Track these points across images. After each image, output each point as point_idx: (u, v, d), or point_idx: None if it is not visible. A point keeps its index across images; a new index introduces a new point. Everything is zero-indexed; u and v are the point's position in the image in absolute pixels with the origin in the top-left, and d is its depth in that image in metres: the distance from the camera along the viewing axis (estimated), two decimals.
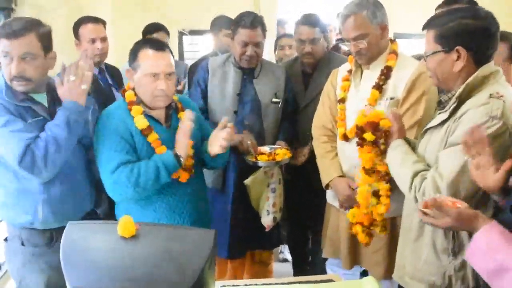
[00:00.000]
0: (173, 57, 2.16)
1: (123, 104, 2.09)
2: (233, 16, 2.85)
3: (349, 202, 2.36)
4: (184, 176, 2.08)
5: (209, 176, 2.70)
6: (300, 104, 2.93)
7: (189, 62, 4.63)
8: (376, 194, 2.09)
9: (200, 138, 2.25)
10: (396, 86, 2.24)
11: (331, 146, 2.50)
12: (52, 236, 2.03)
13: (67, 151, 1.92)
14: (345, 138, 2.38)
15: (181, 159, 2.02)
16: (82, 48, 2.90)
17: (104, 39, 2.93)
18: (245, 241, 2.87)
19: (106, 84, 2.95)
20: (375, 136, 1.96)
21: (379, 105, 2.26)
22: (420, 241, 1.82)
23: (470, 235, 1.41)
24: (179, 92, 3.24)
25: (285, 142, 2.77)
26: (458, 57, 1.64)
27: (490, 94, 1.59)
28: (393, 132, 1.90)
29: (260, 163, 2.60)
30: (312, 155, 2.69)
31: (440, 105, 1.78)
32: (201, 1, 5.33)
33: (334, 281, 2.02)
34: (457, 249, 1.71)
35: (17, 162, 1.82)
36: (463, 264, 1.70)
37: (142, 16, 4.65)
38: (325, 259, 2.90)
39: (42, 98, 2.00)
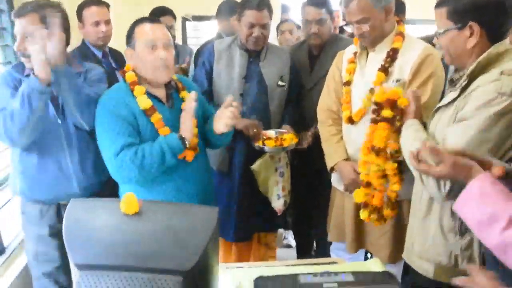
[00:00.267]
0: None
1: (124, 85, 2.05)
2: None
3: (354, 186, 2.34)
4: (189, 155, 2.05)
5: (215, 159, 2.70)
6: (306, 86, 2.91)
7: (192, 48, 4.59)
8: (384, 174, 2.08)
9: (202, 117, 2.23)
10: (403, 68, 2.21)
11: (336, 129, 2.48)
12: (42, 210, 2.19)
13: (24, 124, 1.92)
14: (350, 121, 2.35)
15: (186, 142, 2.00)
16: (85, 31, 2.89)
17: (107, 22, 2.91)
18: (251, 224, 2.88)
19: (110, 68, 2.93)
20: (393, 114, 1.93)
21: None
22: (427, 219, 1.81)
23: None
24: (184, 70, 3.21)
25: (290, 126, 2.76)
26: (471, 34, 1.61)
27: (502, 71, 1.56)
28: (410, 112, 1.87)
29: (267, 149, 2.59)
30: (317, 139, 2.68)
31: (452, 83, 1.76)
32: None
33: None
34: (464, 228, 1.69)
35: None
36: (470, 244, 1.69)
37: (146, 0, 4.61)
38: (330, 244, 2.90)
39: None
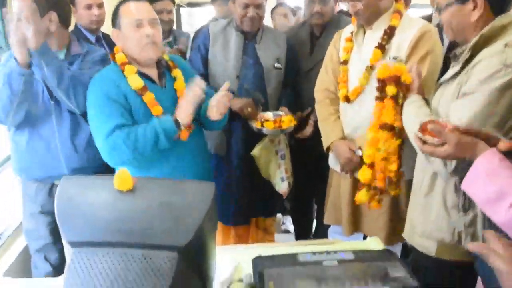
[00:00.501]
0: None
1: (115, 67, 2.03)
2: None
3: (350, 165, 2.33)
4: (184, 134, 2.02)
5: (212, 143, 2.67)
6: (306, 67, 2.87)
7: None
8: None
9: None
10: (400, 45, 2.17)
11: (333, 109, 2.45)
12: (37, 188, 2.24)
13: (5, 103, 1.96)
14: (347, 99, 2.33)
15: (181, 125, 1.97)
16: (78, 14, 2.84)
17: (100, 5, 2.87)
18: (249, 209, 2.86)
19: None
20: (396, 90, 1.89)
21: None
22: (430, 197, 1.77)
23: None
24: (181, 52, 3.17)
25: (288, 108, 2.73)
26: (475, 7, 1.57)
27: (506, 43, 1.52)
28: (413, 89, 1.84)
29: (266, 130, 2.56)
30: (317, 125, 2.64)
31: (455, 58, 1.72)
32: None
33: None
34: (467, 205, 1.66)
35: None
36: (473, 220, 1.66)
37: None
38: (327, 228, 2.88)
39: (61, 54, 2.14)
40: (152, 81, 2.05)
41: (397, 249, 2.44)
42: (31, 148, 2.15)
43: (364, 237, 2.75)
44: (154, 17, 2.02)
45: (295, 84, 2.85)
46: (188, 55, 3.31)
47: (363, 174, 2.14)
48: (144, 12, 1.98)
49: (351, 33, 2.36)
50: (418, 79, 1.84)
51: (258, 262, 1.47)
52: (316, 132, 2.62)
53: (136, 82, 1.96)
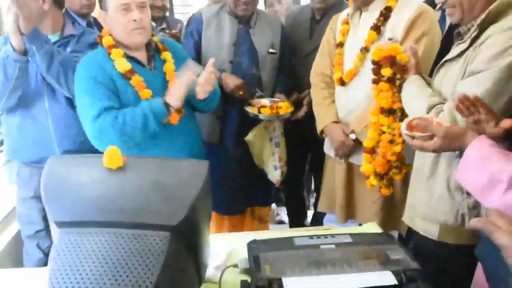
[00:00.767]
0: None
1: (101, 49, 1.99)
2: None
3: (343, 149, 2.30)
4: (174, 118, 1.97)
5: (204, 130, 2.61)
6: (304, 51, 2.81)
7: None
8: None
9: None
10: (395, 27, 2.13)
11: (328, 93, 2.41)
12: (31, 172, 2.21)
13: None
14: (341, 82, 2.29)
15: (171, 108, 1.92)
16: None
17: None
18: (244, 198, 2.81)
19: None
20: (392, 71, 1.87)
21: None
22: (433, 179, 1.73)
23: None
24: (175, 35, 3.11)
25: (284, 94, 2.69)
26: None
27: None
28: (410, 68, 1.81)
29: (262, 117, 2.52)
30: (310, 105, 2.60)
31: (459, 37, 1.68)
32: None
33: None
34: None
35: None
36: (477, 203, 1.63)
37: None
38: (323, 217, 2.85)
39: (55, 37, 2.12)
40: (141, 64, 2.01)
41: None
42: (23, 129, 2.14)
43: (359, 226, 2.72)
44: (143, 0, 1.95)
45: (293, 69, 2.80)
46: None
47: (365, 168, 2.15)
48: None
49: (348, 15, 2.31)
50: (415, 57, 1.81)
51: (253, 246, 1.43)
52: (312, 118, 2.57)
53: (122, 65, 1.93)
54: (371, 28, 2.16)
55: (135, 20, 1.91)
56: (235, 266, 1.50)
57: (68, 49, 2.14)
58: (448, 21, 2.42)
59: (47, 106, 2.11)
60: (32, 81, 2.08)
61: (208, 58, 2.58)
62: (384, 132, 2.06)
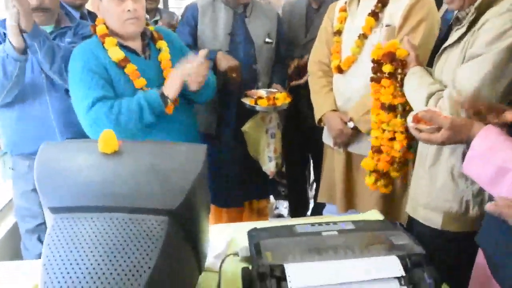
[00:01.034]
0: None
1: (95, 39, 1.96)
2: None
3: (342, 138, 2.27)
4: (169, 108, 1.94)
5: (201, 121, 2.57)
6: (302, 41, 2.79)
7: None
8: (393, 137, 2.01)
9: None
10: (393, 13, 2.10)
11: (326, 81, 2.38)
12: (30, 165, 2.15)
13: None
14: (339, 70, 2.26)
15: (168, 100, 1.89)
16: None
17: None
18: (242, 190, 2.78)
19: None
20: (393, 67, 1.85)
21: (374, 33, 2.14)
22: (436, 167, 1.71)
23: None
24: (173, 26, 3.07)
25: (280, 85, 2.66)
26: None
27: None
28: (410, 61, 1.79)
29: (259, 108, 2.48)
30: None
31: (458, 22, 1.65)
32: None
33: None
34: None
35: None
36: (481, 189, 1.60)
37: None
38: (323, 208, 2.81)
39: (49, 28, 2.08)
40: (135, 53, 1.98)
41: None
42: (22, 121, 2.10)
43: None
44: None
45: (291, 58, 2.77)
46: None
47: (367, 164, 2.12)
48: None
49: (345, 2, 2.28)
50: (413, 50, 1.79)
51: (254, 234, 1.39)
52: (310, 107, 2.53)
53: (116, 54, 1.90)
54: (369, 14, 2.13)
55: (129, 11, 1.88)
56: (236, 254, 1.47)
57: (67, 40, 2.13)
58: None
59: (48, 97, 2.09)
60: (30, 74, 2.05)
61: (204, 48, 2.57)
62: (385, 130, 2.04)
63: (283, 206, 3.82)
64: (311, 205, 3.42)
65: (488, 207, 1.07)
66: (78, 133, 2.09)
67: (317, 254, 1.26)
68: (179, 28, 2.67)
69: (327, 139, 2.46)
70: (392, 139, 2.01)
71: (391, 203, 2.28)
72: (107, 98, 1.86)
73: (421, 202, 1.77)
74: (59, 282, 0.90)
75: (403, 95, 1.87)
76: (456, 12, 1.70)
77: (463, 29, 1.57)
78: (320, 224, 1.44)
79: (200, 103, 2.25)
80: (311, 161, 3.25)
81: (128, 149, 1.11)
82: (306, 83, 2.56)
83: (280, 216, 3.87)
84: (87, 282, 0.90)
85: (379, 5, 2.11)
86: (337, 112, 2.30)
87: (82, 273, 0.91)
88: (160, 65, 2.02)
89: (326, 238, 1.35)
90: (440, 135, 1.36)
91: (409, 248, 1.27)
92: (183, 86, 1.97)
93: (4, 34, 2.00)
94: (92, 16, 2.88)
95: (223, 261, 1.43)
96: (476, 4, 1.53)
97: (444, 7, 2.43)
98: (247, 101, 2.50)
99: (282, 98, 2.51)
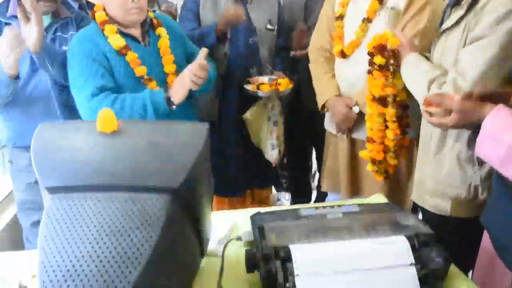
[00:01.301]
0: None
1: (94, 26, 1.92)
2: None
3: (346, 123, 2.23)
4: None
5: (202, 108, 2.54)
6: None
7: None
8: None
9: (185, 54, 2.11)
10: None
11: (328, 67, 2.33)
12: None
13: None
14: (342, 55, 2.21)
15: (173, 105, 1.87)
16: None
17: None
18: (244, 179, 2.75)
19: None
20: (384, 59, 1.82)
21: (378, 16, 2.10)
22: (441, 153, 1.67)
23: None
24: (172, 15, 3.03)
25: (283, 72, 2.62)
26: None
27: None
28: (404, 47, 1.75)
29: (261, 93, 2.45)
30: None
31: (458, 4, 1.61)
32: None
33: None
34: None
35: None
36: (490, 173, 1.57)
37: None
38: (325, 197, 2.78)
39: (46, 19, 2.04)
40: (135, 40, 1.95)
41: None
42: (26, 114, 2.06)
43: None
44: None
45: (290, 46, 2.73)
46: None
47: (363, 153, 2.12)
48: None
49: None
50: (404, 37, 1.76)
51: (258, 218, 1.37)
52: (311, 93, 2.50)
53: (117, 41, 1.87)
54: None
55: (133, 1, 1.85)
56: (239, 239, 1.44)
57: (70, 32, 2.11)
58: None
59: (52, 91, 2.06)
60: (34, 73, 2.04)
61: None
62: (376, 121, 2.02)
63: (285, 198, 3.79)
64: (314, 195, 3.39)
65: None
66: None
67: (322, 235, 1.24)
68: (183, 13, 2.63)
69: (329, 125, 2.42)
70: (386, 127, 1.99)
71: (396, 190, 2.25)
72: (107, 88, 1.83)
73: (428, 190, 1.74)
74: (56, 261, 0.88)
75: (394, 85, 1.85)
76: None
77: (462, 11, 1.54)
78: (324, 207, 1.41)
79: (199, 94, 2.21)
80: (314, 151, 3.22)
81: (128, 128, 1.08)
82: (308, 72, 2.52)
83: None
84: (85, 261, 0.88)
85: None
86: (341, 97, 2.26)
87: (80, 252, 0.89)
88: (159, 52, 1.99)
89: (331, 220, 1.33)
90: (451, 118, 1.33)
91: (417, 228, 1.24)
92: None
93: (3, 23, 1.99)
94: (91, 6, 2.86)
95: (226, 246, 1.40)
96: None
97: None
98: (250, 87, 2.47)
99: (285, 84, 2.48)
